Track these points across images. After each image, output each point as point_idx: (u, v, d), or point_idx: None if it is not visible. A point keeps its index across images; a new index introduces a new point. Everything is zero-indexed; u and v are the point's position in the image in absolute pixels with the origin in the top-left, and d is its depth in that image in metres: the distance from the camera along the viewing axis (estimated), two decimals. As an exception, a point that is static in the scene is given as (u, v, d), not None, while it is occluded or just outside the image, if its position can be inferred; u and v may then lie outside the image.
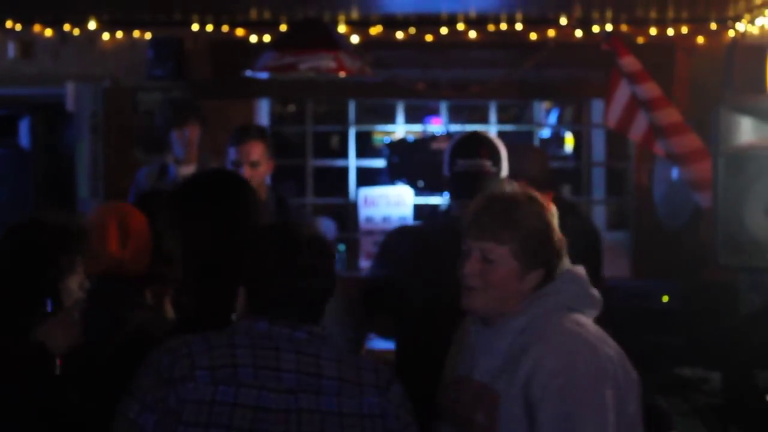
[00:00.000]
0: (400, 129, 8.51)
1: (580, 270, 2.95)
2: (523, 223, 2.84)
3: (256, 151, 5.39)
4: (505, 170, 4.05)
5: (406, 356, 4.10)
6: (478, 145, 4.00)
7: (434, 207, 8.00)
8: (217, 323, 2.78)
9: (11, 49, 8.13)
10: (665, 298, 6.89)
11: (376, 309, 4.19)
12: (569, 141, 10.06)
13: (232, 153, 5.44)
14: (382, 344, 6.14)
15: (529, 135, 8.75)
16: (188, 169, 6.28)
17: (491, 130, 8.41)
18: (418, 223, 4.53)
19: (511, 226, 2.84)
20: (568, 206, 5.33)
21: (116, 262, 3.77)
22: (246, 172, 5.32)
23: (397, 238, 4.19)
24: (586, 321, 2.88)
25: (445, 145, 7.85)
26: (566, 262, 2.94)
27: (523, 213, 2.86)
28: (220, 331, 2.71)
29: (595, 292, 2.94)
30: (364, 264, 7.97)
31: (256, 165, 5.38)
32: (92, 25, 7.95)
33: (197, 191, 3.35)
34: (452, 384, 2.99)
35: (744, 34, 7.66)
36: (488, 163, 3.96)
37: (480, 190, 3.35)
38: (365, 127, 8.80)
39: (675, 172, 7.13)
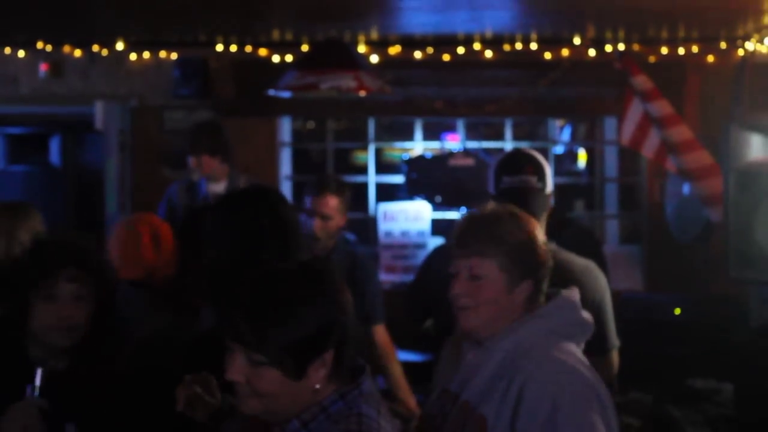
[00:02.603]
0: (419, 146, 8.52)
1: (574, 294, 2.90)
2: (506, 235, 2.81)
3: (331, 205, 5.26)
4: (550, 186, 4.01)
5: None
6: (523, 161, 3.96)
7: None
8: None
9: (42, 69, 8.18)
10: (677, 311, 6.87)
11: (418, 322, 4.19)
12: (582, 157, 10.04)
13: (307, 202, 5.28)
14: (408, 356, 6.16)
15: (544, 151, 8.72)
16: (218, 187, 6.31)
17: (506, 146, 8.42)
18: None
19: (496, 240, 2.81)
20: (567, 220, 5.33)
21: (152, 268, 3.81)
22: (317, 224, 5.19)
23: (438, 255, 4.18)
24: (571, 348, 2.82)
25: (462, 162, 7.93)
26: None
27: (506, 226, 2.83)
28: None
29: (587, 316, 2.89)
30: (384, 277, 7.96)
31: (328, 218, 5.25)
32: (120, 45, 7.99)
33: (230, 205, 3.33)
34: (441, 398, 2.94)
35: (753, 53, 7.64)
36: (534, 179, 3.91)
37: (526, 206, 3.37)
38: (384, 144, 8.81)
39: (686, 188, 7.12)
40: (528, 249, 2.82)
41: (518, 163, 3.95)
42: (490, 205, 2.94)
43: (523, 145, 8.63)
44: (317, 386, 2.35)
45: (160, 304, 3.83)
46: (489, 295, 2.81)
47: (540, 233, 2.89)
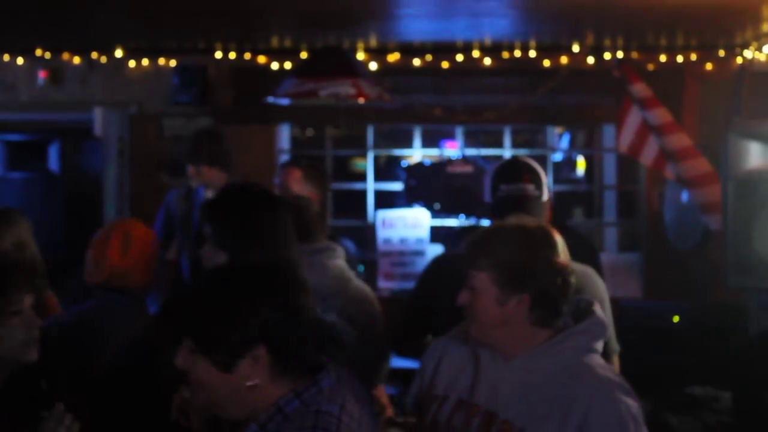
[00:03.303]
0: (417, 153, 8.51)
1: (599, 308, 2.94)
2: (498, 249, 2.84)
3: (290, 177, 5.36)
4: (546, 194, 4.01)
5: None
6: (520, 170, 3.96)
7: (457, 229, 7.99)
8: None
9: (40, 76, 8.17)
10: (676, 319, 6.86)
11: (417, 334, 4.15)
12: (581, 165, 10.05)
13: (275, 181, 5.44)
14: (401, 362, 6.13)
15: (542, 159, 8.74)
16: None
17: (505, 154, 8.41)
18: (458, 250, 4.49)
19: (487, 254, 2.85)
20: (565, 228, 5.32)
21: (115, 271, 3.79)
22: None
23: (438, 266, 4.15)
24: (602, 361, 2.90)
25: (461, 169, 7.92)
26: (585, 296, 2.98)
27: (501, 240, 2.86)
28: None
29: (605, 321, 2.96)
30: (383, 284, 7.96)
31: (287, 191, 5.33)
32: (119, 52, 7.99)
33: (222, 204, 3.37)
34: (461, 409, 2.93)
35: (752, 61, 7.64)
36: (531, 187, 3.92)
37: (524, 213, 3.38)
38: (383, 151, 8.80)
39: (685, 196, 7.11)
40: (522, 264, 2.83)
41: (516, 172, 3.95)
42: (511, 219, 2.96)
43: (522, 152, 8.63)
44: (251, 383, 2.37)
45: (132, 309, 3.82)
46: (481, 307, 2.85)
47: (550, 247, 2.88)
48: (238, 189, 3.49)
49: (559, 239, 2.91)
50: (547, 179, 4.06)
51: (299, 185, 5.37)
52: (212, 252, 3.29)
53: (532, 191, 3.91)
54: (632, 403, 2.79)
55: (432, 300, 3.96)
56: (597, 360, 2.87)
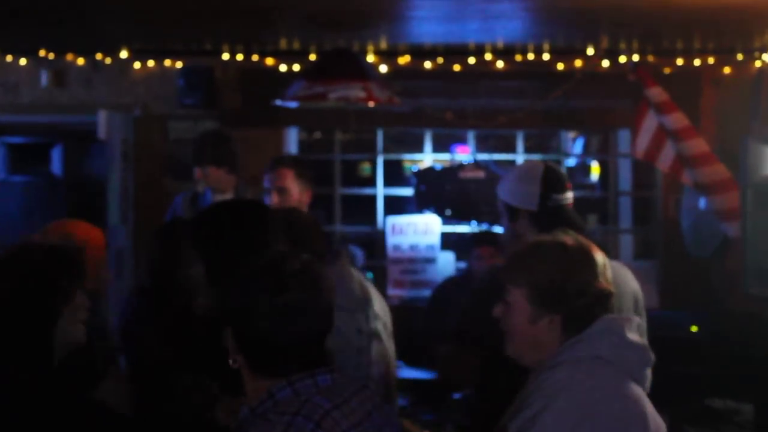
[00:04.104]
0: (428, 158, 8.50)
1: (620, 319, 2.87)
2: (536, 266, 2.85)
3: (285, 177, 5.40)
4: None
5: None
6: (564, 178, 4.05)
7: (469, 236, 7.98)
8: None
9: (44, 78, 8.18)
10: (694, 328, 6.82)
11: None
12: (595, 170, 10.02)
13: (265, 181, 5.47)
14: (409, 373, 6.12)
15: (556, 164, 8.70)
16: (224, 198, 6.27)
17: (518, 159, 8.40)
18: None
19: (524, 271, 2.87)
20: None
21: None
22: (274, 199, 5.34)
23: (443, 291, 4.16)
24: (614, 378, 2.77)
25: (473, 174, 7.90)
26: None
27: (540, 256, 2.86)
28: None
29: (636, 338, 2.84)
30: (392, 292, 7.94)
31: (284, 192, 5.37)
32: (124, 54, 7.99)
33: (207, 221, 3.33)
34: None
35: (771, 65, 7.62)
36: (571, 194, 4.03)
37: (573, 220, 3.63)
38: (393, 156, 8.79)
39: (702, 202, 7.09)
40: (557, 284, 2.82)
41: (563, 181, 4.03)
42: (556, 234, 2.95)
43: (535, 157, 8.61)
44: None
45: None
46: (514, 323, 2.88)
47: (589, 268, 2.85)
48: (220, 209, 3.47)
49: (599, 257, 2.89)
50: None
51: (294, 184, 5.38)
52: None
53: (572, 198, 4.03)
54: (618, 412, 2.68)
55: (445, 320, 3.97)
56: (605, 371, 2.75)
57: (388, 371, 4.16)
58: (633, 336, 2.82)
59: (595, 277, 2.84)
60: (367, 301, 4.02)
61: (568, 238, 2.92)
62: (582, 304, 2.82)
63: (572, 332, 2.82)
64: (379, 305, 4.16)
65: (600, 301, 2.83)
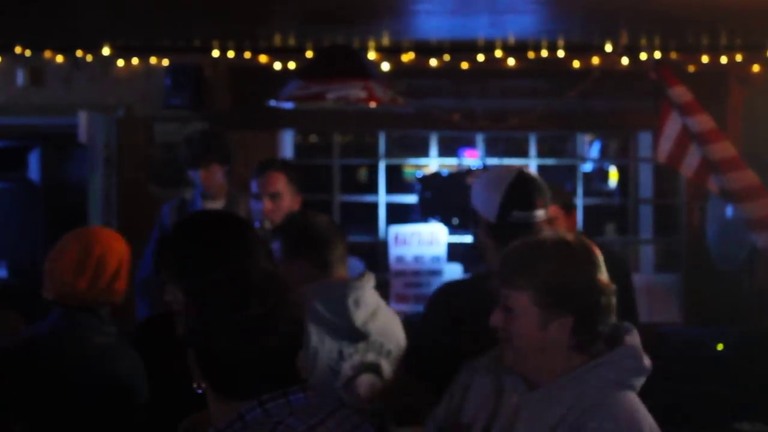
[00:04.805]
0: (434, 162, 8.49)
1: (635, 339, 2.91)
2: (541, 267, 2.84)
3: (277, 182, 5.39)
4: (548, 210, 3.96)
5: None
6: (534, 194, 3.83)
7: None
8: None
9: (20, 77, 8.18)
10: (720, 347, 6.82)
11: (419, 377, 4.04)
12: (614, 176, 10.03)
13: (253, 186, 5.46)
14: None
15: (571, 169, 8.71)
16: (215, 205, 6.28)
17: (531, 163, 8.39)
18: (467, 277, 4.34)
19: (528, 272, 2.84)
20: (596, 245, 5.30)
21: (68, 290, 3.72)
22: (266, 205, 5.33)
23: (447, 297, 4.08)
24: (635, 401, 2.84)
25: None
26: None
27: (544, 257, 2.86)
28: None
29: (647, 361, 2.90)
30: (395, 307, 7.92)
31: (277, 197, 5.37)
32: (106, 51, 7.99)
33: (187, 233, 3.31)
34: (466, 430, 2.95)
35: (803, 62, 7.63)
36: (542, 213, 3.83)
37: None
38: (396, 161, 8.79)
39: (729, 210, 7.09)
40: (566, 283, 2.83)
41: (530, 197, 3.83)
42: (546, 233, 2.97)
43: (549, 162, 8.62)
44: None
45: (93, 328, 3.79)
46: (519, 329, 2.84)
47: (593, 264, 2.87)
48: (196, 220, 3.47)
49: (600, 254, 2.90)
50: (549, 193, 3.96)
51: (286, 189, 5.38)
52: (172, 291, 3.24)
53: (542, 217, 3.84)
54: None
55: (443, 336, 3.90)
56: (625, 397, 2.82)
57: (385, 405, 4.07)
58: (646, 359, 2.89)
59: (601, 273, 2.87)
60: (366, 333, 3.92)
61: (568, 234, 2.94)
62: (592, 302, 2.83)
63: (581, 337, 2.83)
64: (393, 338, 4.06)
65: (608, 299, 2.85)
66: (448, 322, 3.83)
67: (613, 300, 2.86)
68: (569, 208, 4.90)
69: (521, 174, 3.86)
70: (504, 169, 4.07)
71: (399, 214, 8.45)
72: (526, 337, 2.84)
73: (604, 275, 2.87)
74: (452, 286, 4.28)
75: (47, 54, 8.11)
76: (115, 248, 3.85)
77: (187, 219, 3.50)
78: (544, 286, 2.82)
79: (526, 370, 2.87)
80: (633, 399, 2.84)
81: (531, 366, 2.86)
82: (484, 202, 3.84)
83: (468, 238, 8.12)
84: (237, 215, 3.73)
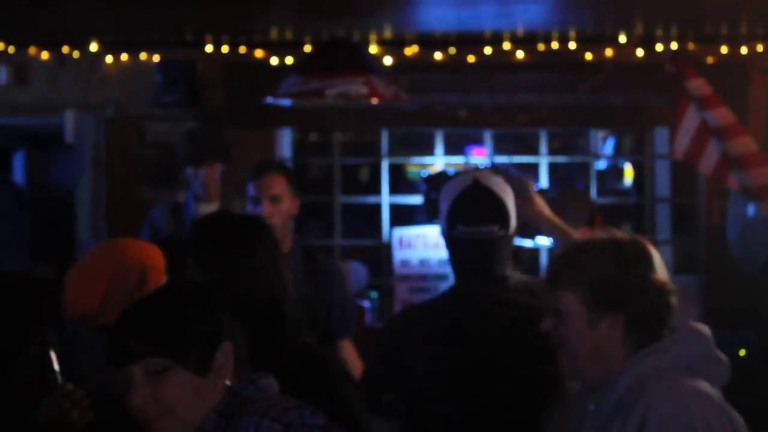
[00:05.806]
0: (439, 161, 8.50)
1: (702, 327, 2.93)
2: (588, 264, 2.90)
3: (277, 184, 5.39)
4: (513, 227, 3.75)
5: None
6: (482, 207, 3.69)
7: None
8: None
9: (3, 74, 8.20)
10: (742, 352, 6.82)
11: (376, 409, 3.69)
12: (629, 173, 10.02)
13: (250, 189, 5.43)
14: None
15: (584, 167, 8.72)
16: (209, 207, 6.27)
17: (541, 161, 8.40)
18: (427, 301, 4.14)
19: (576, 269, 2.91)
20: None
21: (79, 312, 3.69)
22: (266, 208, 5.31)
23: (407, 321, 3.86)
24: (702, 384, 2.83)
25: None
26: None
27: (591, 255, 2.92)
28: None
29: (722, 355, 2.91)
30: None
31: (277, 200, 5.36)
32: (94, 47, 8.01)
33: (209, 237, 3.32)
34: None
35: (827, 53, 7.63)
36: (495, 228, 3.65)
37: (488, 260, 3.55)
38: (400, 160, 8.80)
39: (751, 209, 7.08)
40: (613, 280, 2.88)
41: (477, 210, 3.69)
42: (593, 233, 3.02)
43: (560, 159, 8.62)
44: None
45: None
46: (570, 332, 2.90)
47: (645, 263, 2.91)
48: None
49: (655, 254, 2.93)
50: (513, 204, 3.78)
51: (286, 192, 5.39)
52: None
53: (497, 232, 3.67)
54: (714, 416, 2.75)
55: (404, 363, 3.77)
56: (687, 377, 2.81)
57: None
58: (716, 349, 2.90)
59: (654, 272, 2.90)
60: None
61: (620, 233, 2.98)
62: (645, 301, 2.87)
63: (637, 336, 2.87)
64: None
65: (663, 298, 2.88)
66: (404, 359, 3.67)
67: (672, 299, 2.89)
68: (592, 222, 4.95)
69: (473, 185, 3.73)
70: (461, 177, 3.85)
71: (403, 216, 8.46)
72: (577, 339, 2.89)
73: (658, 274, 2.90)
74: (404, 317, 4.17)
75: (32, 50, 8.13)
76: (157, 259, 3.86)
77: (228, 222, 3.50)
78: (590, 285, 2.87)
79: (582, 375, 2.94)
80: (689, 383, 2.82)
81: (586, 370, 2.91)
82: (440, 213, 3.76)
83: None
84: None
